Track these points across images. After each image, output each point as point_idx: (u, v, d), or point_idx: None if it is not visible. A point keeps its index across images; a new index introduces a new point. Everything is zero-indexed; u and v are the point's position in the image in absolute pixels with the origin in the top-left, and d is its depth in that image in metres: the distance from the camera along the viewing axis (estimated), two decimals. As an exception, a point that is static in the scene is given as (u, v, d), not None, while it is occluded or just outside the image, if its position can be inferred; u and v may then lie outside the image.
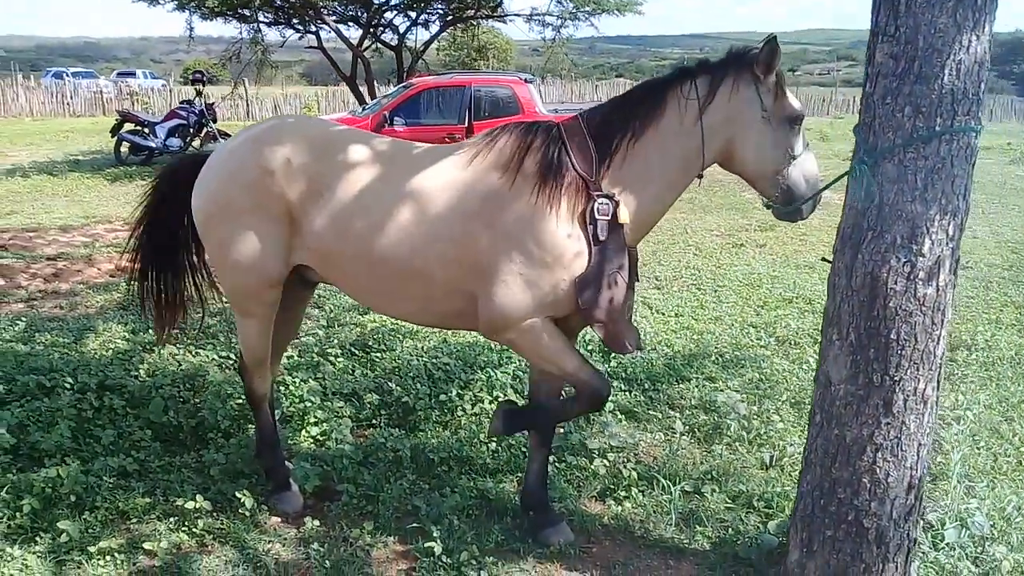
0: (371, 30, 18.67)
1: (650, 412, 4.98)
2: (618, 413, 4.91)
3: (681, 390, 5.36)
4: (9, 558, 3.38)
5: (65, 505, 3.78)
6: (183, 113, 16.13)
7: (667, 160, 3.22)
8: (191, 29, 17.66)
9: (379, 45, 19.87)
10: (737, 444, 4.60)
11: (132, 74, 52.20)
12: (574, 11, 17.40)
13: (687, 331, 6.64)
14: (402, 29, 19.28)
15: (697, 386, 5.43)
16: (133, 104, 29.91)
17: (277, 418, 4.58)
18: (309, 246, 3.44)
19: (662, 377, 5.52)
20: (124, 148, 16.30)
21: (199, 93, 16.05)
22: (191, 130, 16.09)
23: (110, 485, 3.94)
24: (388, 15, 18.75)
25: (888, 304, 2.90)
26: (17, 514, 3.65)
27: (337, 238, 3.37)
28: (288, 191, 3.39)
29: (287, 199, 3.39)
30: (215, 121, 16.38)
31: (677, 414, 4.99)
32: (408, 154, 3.48)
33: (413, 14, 18.78)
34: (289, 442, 4.48)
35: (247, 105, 34.79)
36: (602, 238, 3.12)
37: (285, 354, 5.49)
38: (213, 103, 16.96)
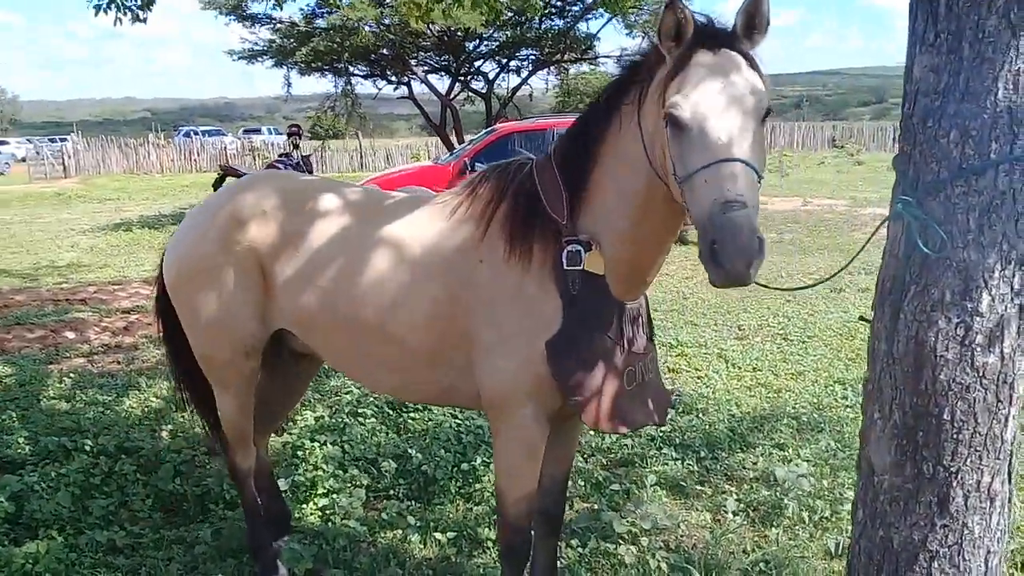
0: (460, 78, 18.72)
1: (700, 486, 4.39)
2: (659, 487, 4.33)
3: (742, 459, 4.73)
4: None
5: (41, 584, 3.53)
6: (280, 166, 16.40)
7: (631, 183, 2.48)
8: (288, 84, 18.13)
9: (470, 93, 19.92)
10: (798, 528, 3.96)
11: (258, 131, 54.57)
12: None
13: (762, 388, 5.99)
14: (492, 76, 19.30)
15: (763, 455, 4.79)
16: (254, 158, 31.08)
17: (287, 487, 4.29)
18: (282, 305, 3.11)
19: (722, 443, 4.91)
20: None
21: (296, 146, 16.33)
22: (287, 182, 16.34)
23: (92, 562, 3.68)
24: (478, 63, 18.76)
25: (938, 376, 2.31)
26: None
27: (307, 295, 3.02)
28: (259, 243, 3.08)
29: (258, 251, 3.08)
30: (310, 172, 16.63)
31: (732, 488, 4.38)
32: (383, 204, 3.11)
33: (503, 60, 18.74)
34: (296, 515, 4.12)
35: (360, 156, 35.75)
36: (574, 292, 2.61)
37: (312, 413, 5.22)
38: (309, 155, 17.24)
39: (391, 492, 4.40)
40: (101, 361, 7.04)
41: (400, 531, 3.93)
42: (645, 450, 4.78)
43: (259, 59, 17.04)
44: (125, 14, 4.96)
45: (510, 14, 15.82)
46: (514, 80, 19.23)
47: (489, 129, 14.35)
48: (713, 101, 2.16)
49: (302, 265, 3.03)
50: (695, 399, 5.63)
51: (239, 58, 17.22)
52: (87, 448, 4.79)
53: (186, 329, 3.35)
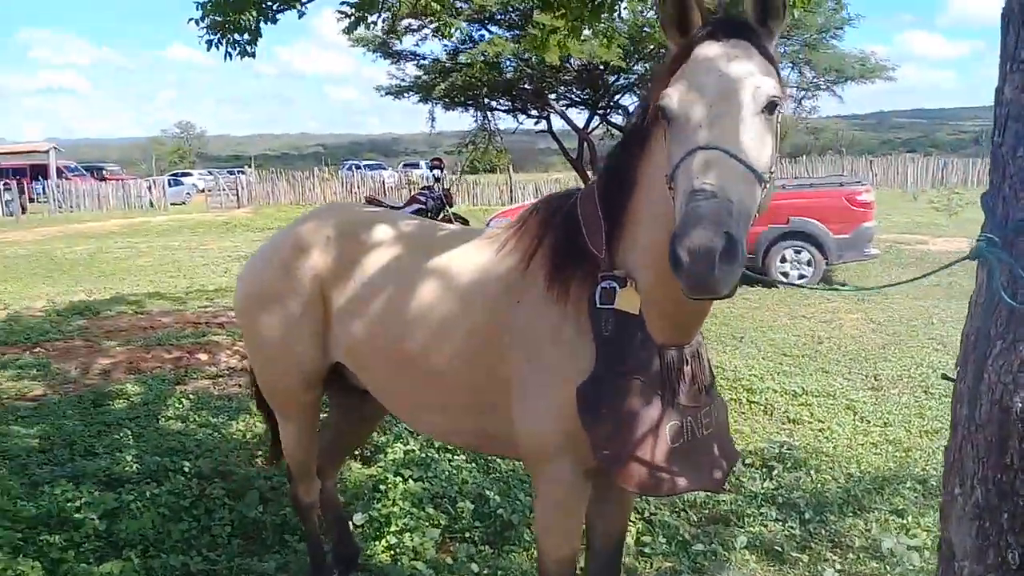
0: (599, 112, 18.61)
1: (798, 552, 3.99)
2: (750, 551, 3.97)
3: (852, 525, 4.28)
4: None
5: (111, 606, 3.60)
6: (422, 198, 16.84)
7: (663, 207, 2.13)
8: (432, 119, 18.61)
9: (609, 127, 19.76)
10: (904, 609, 3.52)
11: (416, 165, 56.50)
12: (815, 81, 16.10)
13: (890, 445, 5.46)
14: (632, 109, 19.05)
15: (877, 521, 4.32)
16: (409, 191, 32.17)
17: (363, 520, 4.24)
18: (337, 335, 3.06)
19: (832, 505, 4.47)
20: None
21: (438, 179, 16.71)
22: (428, 214, 16.73)
23: (164, 586, 3.73)
24: (617, 96, 18.61)
25: None
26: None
27: (356, 325, 2.97)
28: (321, 270, 3.06)
29: (320, 278, 3.06)
30: (451, 206, 16.93)
31: (835, 557, 3.96)
32: (435, 235, 3.02)
33: (644, 93, 18.47)
34: (367, 551, 4.05)
35: (510, 190, 36.26)
36: (606, 333, 2.38)
37: (403, 445, 5.16)
38: (450, 188, 17.60)
39: (466, 535, 4.25)
40: (224, 384, 7.31)
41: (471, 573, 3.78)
42: (743, 508, 4.42)
43: (405, 95, 17.60)
44: (234, 49, 5.18)
45: (652, 46, 15.59)
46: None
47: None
48: (703, 90, 1.96)
49: (353, 294, 2.99)
50: (809, 454, 5.19)
51: (386, 93, 17.87)
52: (185, 469, 4.93)
53: (249, 356, 3.38)
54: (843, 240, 11.77)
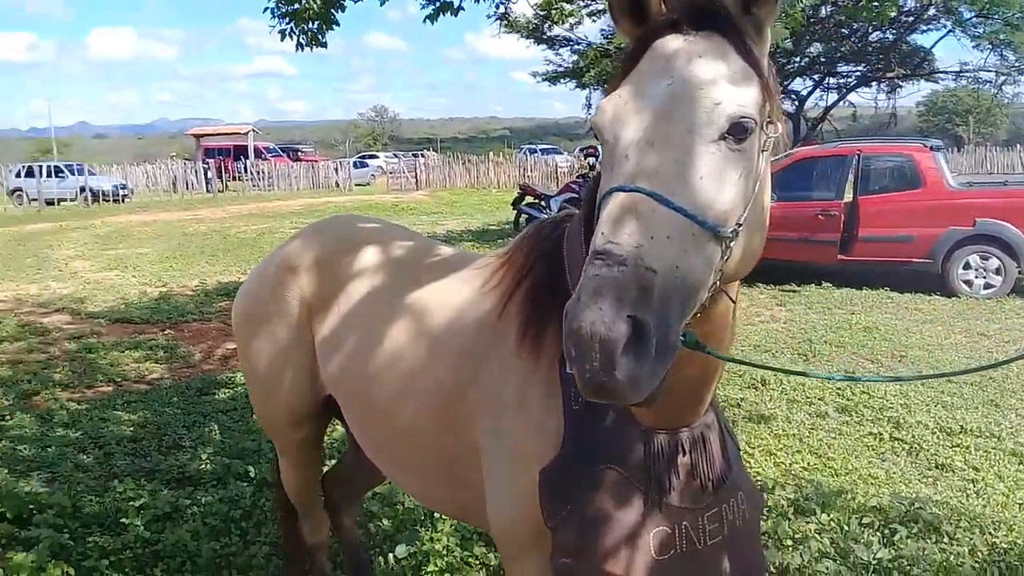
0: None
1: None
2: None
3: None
4: None
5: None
6: (575, 187, 16.42)
7: None
8: (588, 105, 18.04)
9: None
10: None
11: (596, 151, 55.91)
12: (1017, 64, 14.09)
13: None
14: (805, 93, 17.63)
15: (1020, 613, 3.48)
16: (584, 178, 31.77)
17: (404, 554, 3.88)
18: (322, 368, 2.68)
19: (963, 587, 3.65)
20: (523, 219, 17.02)
21: (592, 167, 16.19)
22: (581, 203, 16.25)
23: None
24: (786, 81, 17.23)
25: None
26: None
27: (335, 362, 2.58)
28: (308, 294, 2.69)
29: (308, 304, 2.69)
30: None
31: (952, 662, 3.18)
32: (424, 261, 2.55)
33: (818, 76, 17.01)
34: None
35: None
36: (575, 407, 1.83)
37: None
38: (604, 176, 17.00)
39: (516, 581, 3.78)
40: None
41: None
42: (845, 579, 3.69)
43: (561, 80, 17.13)
44: (305, 37, 4.93)
45: (831, 25, 14.26)
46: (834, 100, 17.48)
47: (785, 154, 13.04)
48: (642, 102, 1.41)
49: (334, 326, 2.60)
50: (947, 515, 4.32)
51: (542, 80, 17.47)
52: (250, 474, 4.77)
53: (244, 379, 3.07)
54: (1042, 246, 10.21)
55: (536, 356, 1.94)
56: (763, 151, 1.50)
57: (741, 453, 5.22)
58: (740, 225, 1.41)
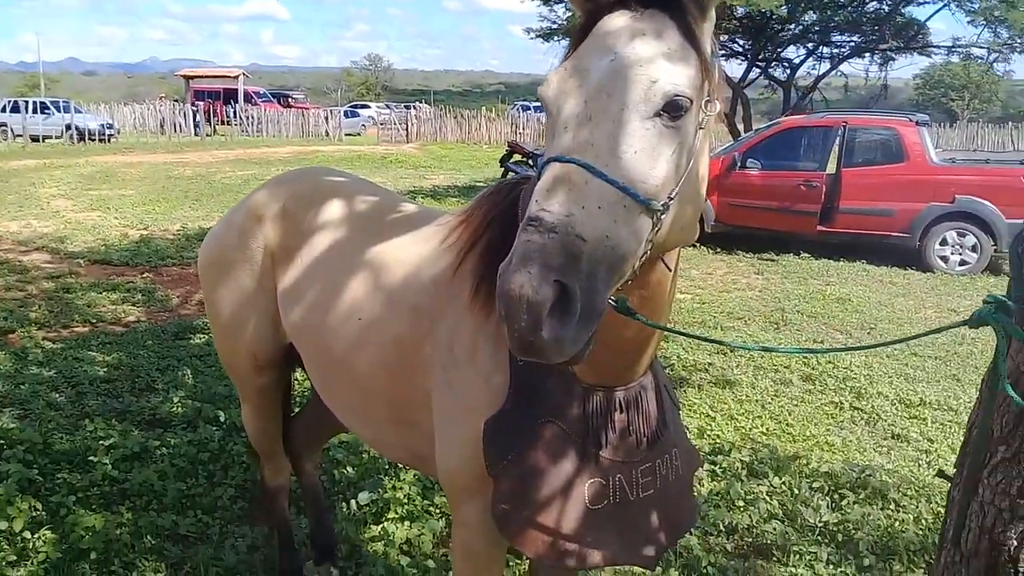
0: (759, 64, 17.21)
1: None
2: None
3: (920, 580, 3.61)
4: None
5: (87, 561, 3.51)
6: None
7: None
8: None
9: (769, 81, 18.29)
10: None
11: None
12: (1010, 42, 14.07)
13: None
14: (797, 62, 17.54)
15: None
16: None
17: (367, 501, 3.99)
18: (283, 315, 2.74)
19: (902, 553, 3.77)
20: (510, 177, 16.94)
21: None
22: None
23: (144, 547, 3.60)
24: (780, 48, 17.13)
25: None
26: (32, 561, 3.46)
27: (295, 312, 2.63)
28: (272, 244, 2.74)
29: (272, 253, 2.74)
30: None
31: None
32: (387, 217, 2.60)
33: (812, 46, 16.93)
34: (365, 536, 3.79)
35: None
36: (520, 362, 1.85)
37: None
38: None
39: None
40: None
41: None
42: (792, 541, 3.81)
43: (554, 37, 16.97)
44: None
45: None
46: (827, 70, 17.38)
47: (772, 122, 13.03)
48: (584, 77, 1.46)
49: (296, 277, 2.65)
50: (896, 484, 4.45)
51: (536, 36, 17.30)
52: (220, 419, 4.84)
53: (211, 326, 3.13)
54: (1018, 225, 10.30)
55: (487, 313, 2.00)
56: (700, 128, 1.55)
57: (701, 415, 5.31)
58: (672, 199, 1.47)
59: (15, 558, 3.45)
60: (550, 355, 1.32)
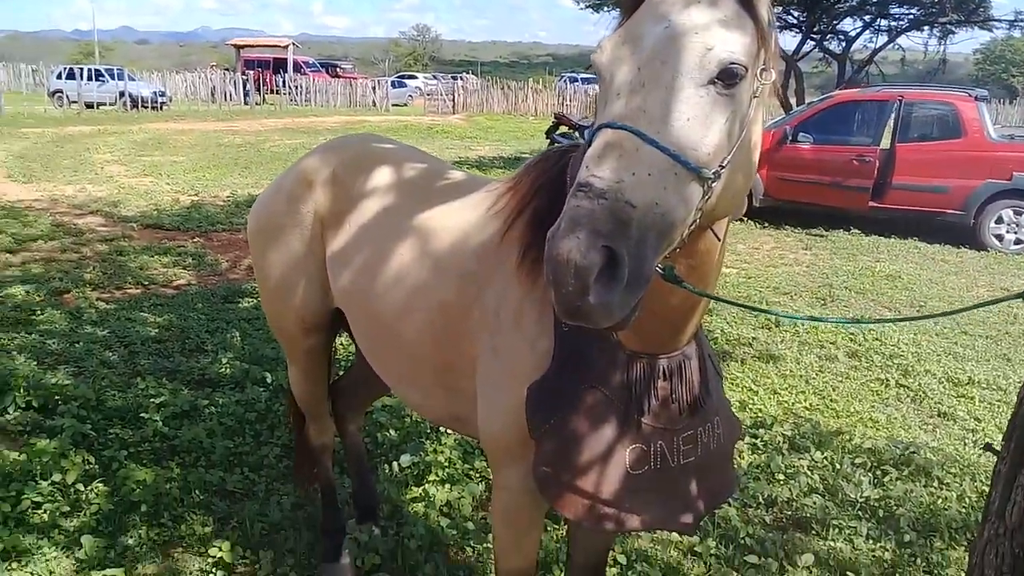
0: (813, 36, 16.81)
1: None
2: (812, 572, 3.39)
3: (960, 559, 3.56)
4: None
5: (138, 513, 3.62)
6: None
7: None
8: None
9: (824, 54, 17.86)
10: None
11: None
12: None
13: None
14: (854, 34, 17.09)
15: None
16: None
17: (408, 464, 4.05)
18: (332, 281, 2.79)
19: (943, 529, 3.73)
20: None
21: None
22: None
23: (191, 502, 3.71)
24: (836, 20, 16.70)
25: None
26: (85, 513, 3.58)
27: (344, 277, 2.67)
28: (322, 208, 2.78)
29: (321, 218, 2.78)
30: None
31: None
32: (435, 184, 2.62)
33: (869, 17, 16.48)
34: (402, 497, 3.86)
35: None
36: (566, 328, 1.87)
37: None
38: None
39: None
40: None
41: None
42: (832, 515, 3.80)
43: (605, 7, 16.77)
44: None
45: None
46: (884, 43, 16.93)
47: (825, 96, 12.76)
48: (636, 44, 1.45)
49: (345, 241, 2.68)
50: (940, 461, 4.40)
51: (586, 6, 17.12)
52: (267, 380, 4.94)
53: (259, 288, 3.18)
54: (1077, 205, 10.01)
55: (533, 279, 2.02)
56: (754, 97, 1.53)
57: (744, 389, 5.28)
58: (723, 167, 1.46)
59: (68, 509, 3.58)
60: (597, 320, 1.33)
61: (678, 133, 1.39)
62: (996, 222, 10.38)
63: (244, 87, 37.51)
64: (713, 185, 1.44)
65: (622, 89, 1.43)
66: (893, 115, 11.03)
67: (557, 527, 3.57)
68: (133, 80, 34.75)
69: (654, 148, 1.36)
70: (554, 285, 1.32)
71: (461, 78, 44.07)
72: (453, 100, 38.46)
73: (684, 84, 1.40)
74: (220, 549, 3.33)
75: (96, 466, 3.92)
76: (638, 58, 1.44)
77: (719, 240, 1.76)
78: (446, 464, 4.05)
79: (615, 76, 1.47)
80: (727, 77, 1.43)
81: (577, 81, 48.12)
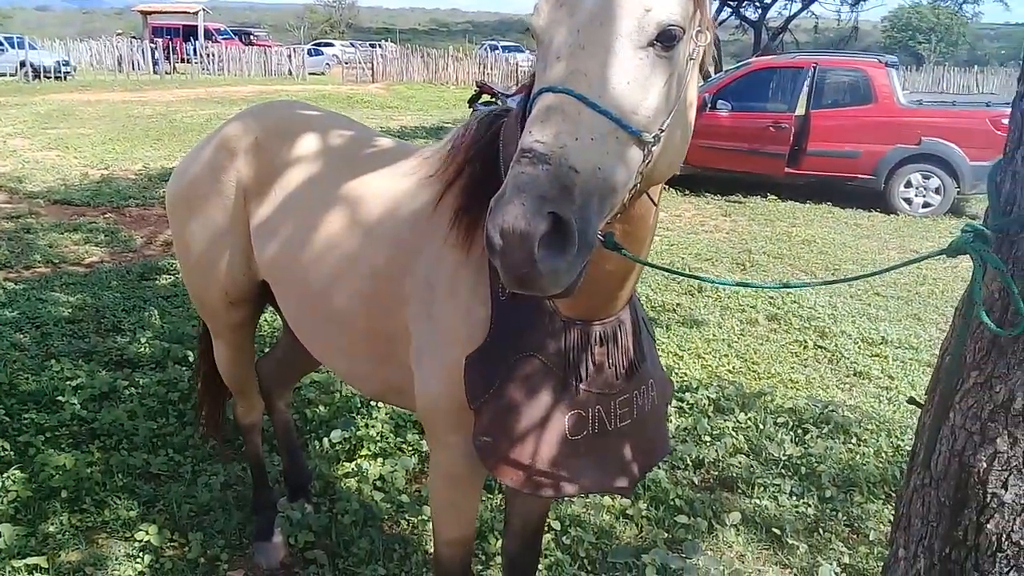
0: (730, 3, 17.09)
1: (802, 538, 3.49)
2: (739, 530, 3.50)
3: (878, 512, 3.72)
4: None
5: (58, 499, 3.50)
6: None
7: None
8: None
9: (740, 21, 18.17)
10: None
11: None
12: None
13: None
14: (768, 2, 17.42)
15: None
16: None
17: (339, 439, 4.01)
18: (256, 253, 2.71)
19: (862, 484, 3.89)
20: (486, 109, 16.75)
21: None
22: (538, 104, 15.99)
23: (114, 485, 3.61)
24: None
25: (984, 524, 1.44)
26: (2, 500, 3.45)
27: (270, 247, 2.61)
28: (245, 177, 2.69)
29: (244, 188, 2.70)
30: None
31: (845, 549, 3.43)
32: (364, 151, 2.57)
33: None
34: (334, 473, 3.82)
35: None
36: (502, 296, 1.91)
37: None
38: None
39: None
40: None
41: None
42: (757, 475, 3.92)
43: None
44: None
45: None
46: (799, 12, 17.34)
47: (741, 63, 12.98)
48: (575, 6, 1.43)
49: (270, 212, 2.62)
50: (858, 419, 4.57)
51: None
52: (188, 359, 4.82)
53: (178, 262, 3.09)
54: (982, 168, 10.41)
55: (467, 247, 2.00)
56: (691, 59, 1.54)
57: (670, 354, 5.38)
58: (662, 131, 1.46)
59: (-17, 497, 3.44)
60: (545, 287, 1.32)
61: (619, 96, 1.38)
62: (905, 186, 10.76)
63: (153, 56, 36.14)
64: (653, 149, 1.45)
65: (561, 52, 1.42)
66: (808, 82, 11.29)
67: (491, 496, 3.59)
68: (34, 48, 33.07)
69: (595, 112, 1.35)
70: (500, 253, 1.30)
71: (380, 46, 43.36)
72: (372, 69, 37.77)
73: (623, 46, 1.40)
74: (147, 533, 3.25)
75: (12, 452, 3.78)
76: (576, 20, 1.43)
77: (654, 205, 1.77)
78: (378, 438, 4.02)
79: (553, 39, 1.45)
80: (666, 39, 1.42)
81: (497, 49, 47.76)
